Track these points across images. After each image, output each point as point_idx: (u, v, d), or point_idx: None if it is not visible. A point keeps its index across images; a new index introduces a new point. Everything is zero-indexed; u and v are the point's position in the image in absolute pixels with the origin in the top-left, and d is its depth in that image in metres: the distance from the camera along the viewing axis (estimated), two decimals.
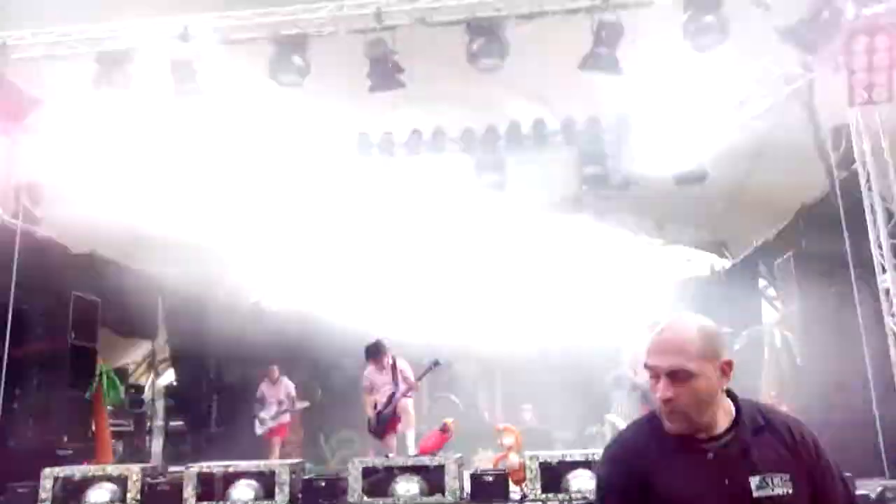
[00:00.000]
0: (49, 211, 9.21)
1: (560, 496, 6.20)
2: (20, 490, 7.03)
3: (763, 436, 1.85)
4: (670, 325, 1.89)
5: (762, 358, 9.08)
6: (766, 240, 10.10)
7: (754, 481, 1.77)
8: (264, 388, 10.42)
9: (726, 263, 12.51)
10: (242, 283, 13.54)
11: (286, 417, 10.34)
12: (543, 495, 6.20)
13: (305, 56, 7.50)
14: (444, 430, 7.41)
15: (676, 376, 1.79)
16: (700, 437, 1.84)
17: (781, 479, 1.78)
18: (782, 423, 1.89)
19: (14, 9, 8.44)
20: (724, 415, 1.85)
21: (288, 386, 10.44)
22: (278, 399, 10.25)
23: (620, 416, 8.87)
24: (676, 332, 1.86)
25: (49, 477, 6.91)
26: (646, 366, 1.87)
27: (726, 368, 1.83)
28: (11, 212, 8.85)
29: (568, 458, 6.44)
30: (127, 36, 7.95)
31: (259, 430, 10.24)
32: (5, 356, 8.03)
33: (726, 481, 1.78)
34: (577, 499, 6.17)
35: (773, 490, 1.77)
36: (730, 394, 1.88)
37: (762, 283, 10.86)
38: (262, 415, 10.26)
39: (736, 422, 1.85)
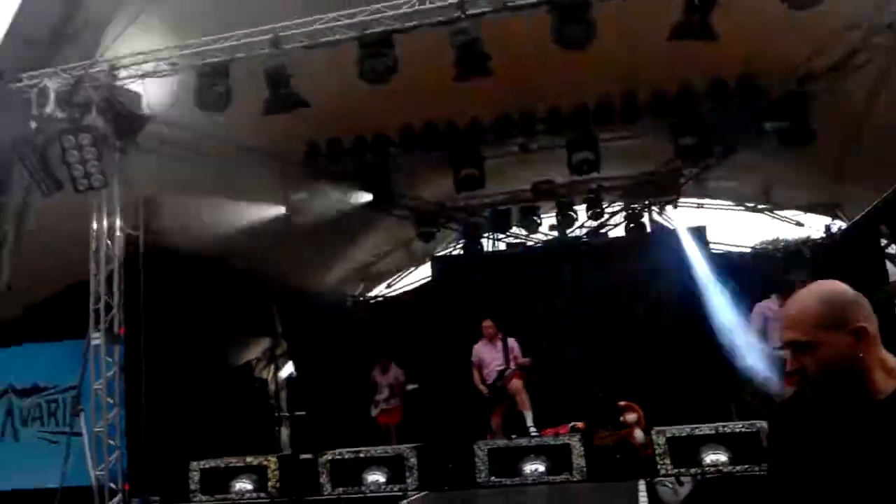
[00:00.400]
0: (167, 221, 9.76)
1: (693, 470, 6.16)
2: (172, 481, 7.56)
3: None
4: (795, 296, 1.85)
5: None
6: (885, 198, 9.58)
7: None
8: (376, 374, 10.87)
9: (842, 225, 11.96)
10: (347, 275, 13.98)
11: (397, 401, 10.74)
12: (676, 470, 6.17)
13: (391, 54, 7.60)
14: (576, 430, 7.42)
15: (798, 349, 1.77)
16: (863, 403, 1.77)
17: None
18: None
19: (118, 30, 9.02)
20: (885, 379, 1.77)
21: (397, 372, 10.88)
22: (389, 383, 10.72)
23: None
24: (795, 304, 1.82)
25: (196, 469, 7.41)
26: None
27: (862, 334, 1.75)
28: (132, 224, 9.39)
29: (698, 433, 6.38)
30: (224, 47, 8.32)
31: (373, 412, 10.74)
32: (143, 361, 8.60)
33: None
34: (710, 472, 6.11)
35: None
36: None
37: (883, 242, 10.34)
38: (377, 398, 10.76)
39: None
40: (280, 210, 10.81)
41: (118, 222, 8.64)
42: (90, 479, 7.25)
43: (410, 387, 10.96)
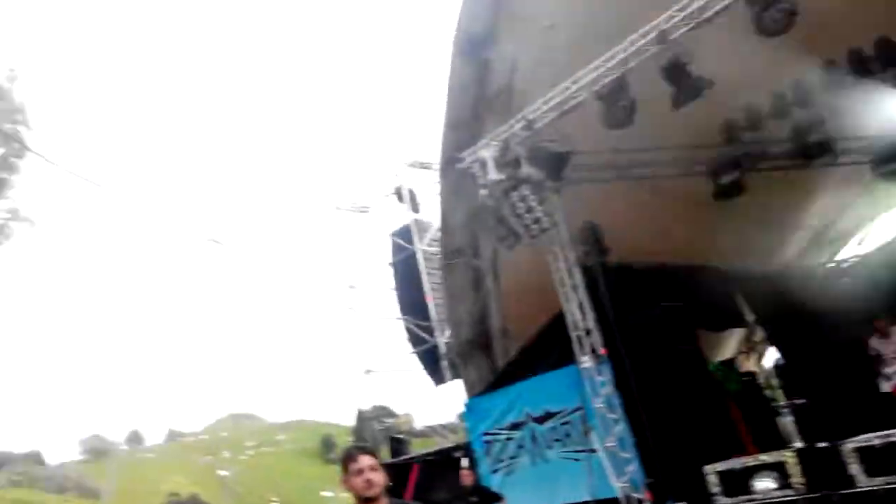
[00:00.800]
0: (611, 240, 10.25)
1: None
2: (688, 486, 7.69)
3: None
4: None
5: None
6: None
7: None
8: (875, 343, 9.47)
9: None
10: (805, 245, 12.79)
11: None
12: None
13: None
14: None
15: None
16: None
17: None
18: None
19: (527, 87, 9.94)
20: None
21: None
22: (894, 350, 9.14)
23: None
24: None
25: (712, 472, 7.43)
26: None
27: None
28: (583, 251, 10.05)
29: None
30: (614, 64, 8.51)
31: (884, 386, 9.25)
32: (631, 375, 9.04)
33: None
34: None
35: None
36: None
37: None
38: (887, 370, 9.25)
39: None
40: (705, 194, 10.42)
41: (571, 254, 9.38)
42: (615, 491, 7.82)
43: None
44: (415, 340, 15.63)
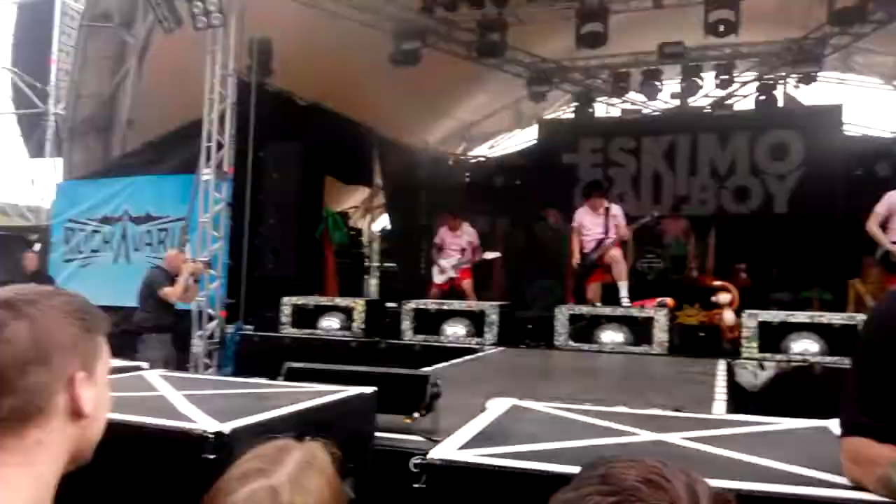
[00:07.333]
0: (279, 63, 9.80)
1: (778, 357, 5.88)
2: (266, 314, 8.07)
3: None
4: None
5: None
6: None
7: None
8: (444, 234, 9.52)
9: None
10: (451, 133, 13.83)
11: (468, 266, 9.35)
12: (759, 354, 5.91)
13: None
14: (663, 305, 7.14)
15: None
16: None
17: None
18: None
19: None
20: None
21: (470, 233, 9.46)
22: (460, 247, 9.32)
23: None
24: None
25: (288, 304, 7.83)
26: None
27: None
28: (245, 65, 9.47)
29: (792, 320, 6.04)
30: None
31: (438, 278, 9.36)
32: (248, 198, 8.99)
33: None
34: (796, 361, 5.82)
35: None
36: None
37: None
38: (443, 263, 9.35)
39: None
40: (388, 60, 10.58)
41: (231, 63, 8.75)
42: (190, 304, 7.82)
43: (491, 255, 9.80)
44: (19, 101, 13.31)
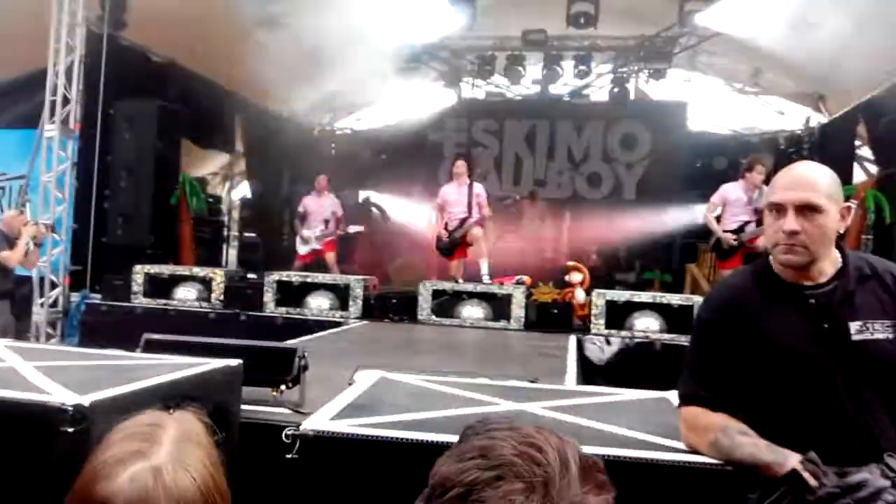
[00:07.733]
0: (134, 16, 9.15)
1: (623, 333, 6.37)
2: (115, 282, 7.61)
3: (868, 283, 1.84)
4: (801, 163, 1.96)
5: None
6: (872, 96, 9.35)
7: (854, 326, 1.78)
8: (308, 201, 9.29)
9: (822, 119, 11.78)
10: (316, 102, 13.52)
11: (333, 237, 9.21)
12: (606, 331, 6.37)
13: None
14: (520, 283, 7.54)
15: (805, 210, 1.80)
16: (805, 285, 1.85)
17: (882, 324, 1.78)
18: (887, 270, 1.87)
19: None
20: (830, 264, 1.86)
21: (334, 203, 9.30)
22: (324, 217, 9.14)
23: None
24: (809, 169, 1.90)
25: (140, 272, 7.43)
26: (771, 203, 1.87)
27: (845, 213, 1.85)
28: (97, 15, 8.80)
29: (636, 300, 6.54)
30: None
31: (302, 249, 9.18)
32: (97, 159, 8.40)
33: (826, 325, 1.79)
34: (639, 337, 6.32)
35: (872, 334, 1.77)
36: (838, 246, 1.88)
37: (857, 143, 10.27)
38: (306, 233, 9.13)
39: (842, 272, 1.85)
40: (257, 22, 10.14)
41: (81, 11, 8.10)
42: (31, 270, 7.23)
43: (354, 228, 9.97)
44: None
